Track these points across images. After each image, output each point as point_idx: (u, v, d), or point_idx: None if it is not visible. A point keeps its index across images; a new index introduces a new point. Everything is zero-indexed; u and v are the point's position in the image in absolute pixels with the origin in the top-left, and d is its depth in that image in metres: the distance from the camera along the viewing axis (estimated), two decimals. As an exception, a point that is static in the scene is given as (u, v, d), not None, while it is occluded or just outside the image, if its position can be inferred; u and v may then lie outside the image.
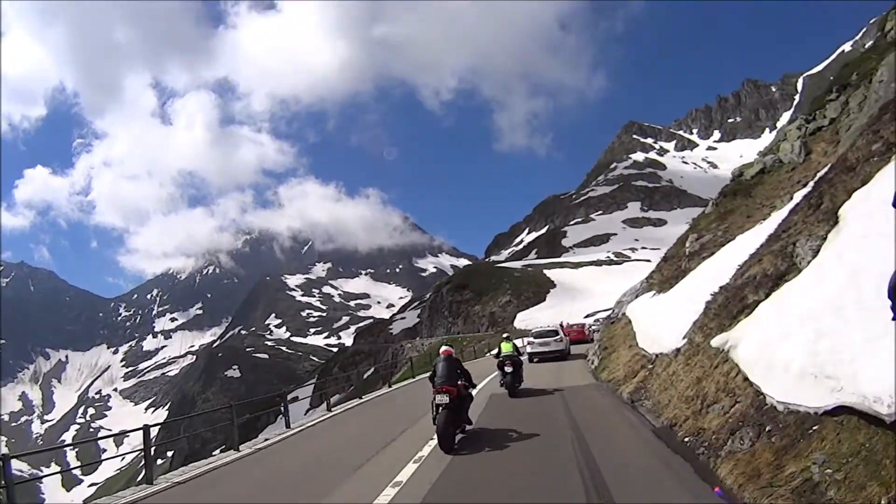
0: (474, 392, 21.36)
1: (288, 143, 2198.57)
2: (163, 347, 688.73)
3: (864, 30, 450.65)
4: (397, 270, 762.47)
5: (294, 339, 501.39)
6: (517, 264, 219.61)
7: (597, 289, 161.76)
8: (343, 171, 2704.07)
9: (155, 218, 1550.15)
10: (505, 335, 33.79)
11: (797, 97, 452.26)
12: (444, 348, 19.86)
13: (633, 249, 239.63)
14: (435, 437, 17.27)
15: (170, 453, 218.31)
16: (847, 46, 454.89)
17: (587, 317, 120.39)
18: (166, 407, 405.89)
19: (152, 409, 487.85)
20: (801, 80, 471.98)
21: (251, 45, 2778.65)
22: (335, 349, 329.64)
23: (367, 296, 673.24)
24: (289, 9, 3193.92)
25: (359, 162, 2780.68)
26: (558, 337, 50.01)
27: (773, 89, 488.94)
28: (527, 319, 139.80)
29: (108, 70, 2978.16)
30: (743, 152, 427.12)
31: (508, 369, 28.07)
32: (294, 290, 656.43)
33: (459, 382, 18.39)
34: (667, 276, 33.20)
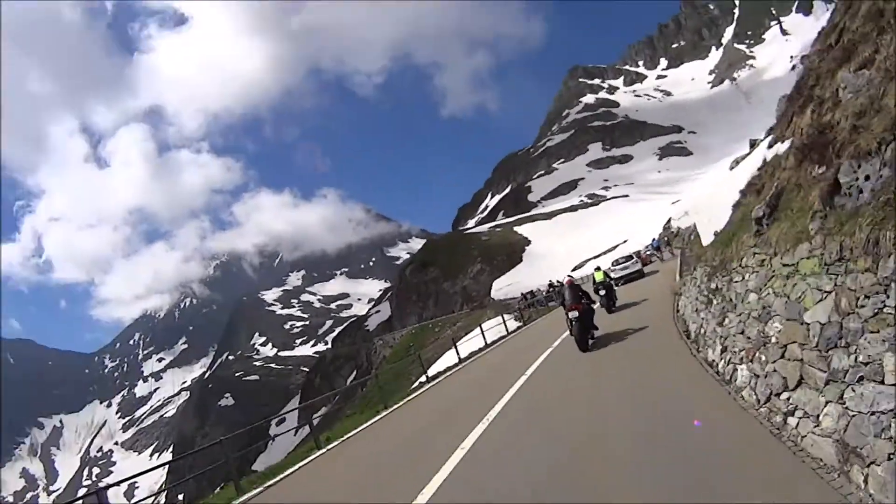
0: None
1: (231, 158, 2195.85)
2: (156, 390, 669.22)
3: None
4: (371, 264, 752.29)
5: (281, 353, 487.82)
6: (482, 228, 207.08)
7: (580, 235, 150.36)
8: (293, 175, 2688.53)
9: (117, 263, 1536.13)
10: (596, 267, 44.96)
11: (736, 10, 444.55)
12: (566, 278, 27.22)
13: (605, 189, 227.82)
14: None
15: (181, 496, 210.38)
16: None
17: (574, 269, 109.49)
18: (170, 450, 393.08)
19: (157, 454, 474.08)
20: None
21: (170, 64, 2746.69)
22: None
23: (346, 295, 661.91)
24: (199, 18, 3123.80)
25: (306, 163, 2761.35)
26: (634, 261, 59.95)
27: (711, 7, 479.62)
28: (505, 287, 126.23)
29: (31, 124, 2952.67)
30: (694, 75, 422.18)
31: (602, 292, 34.47)
32: (273, 304, 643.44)
33: (583, 301, 23.91)
34: None
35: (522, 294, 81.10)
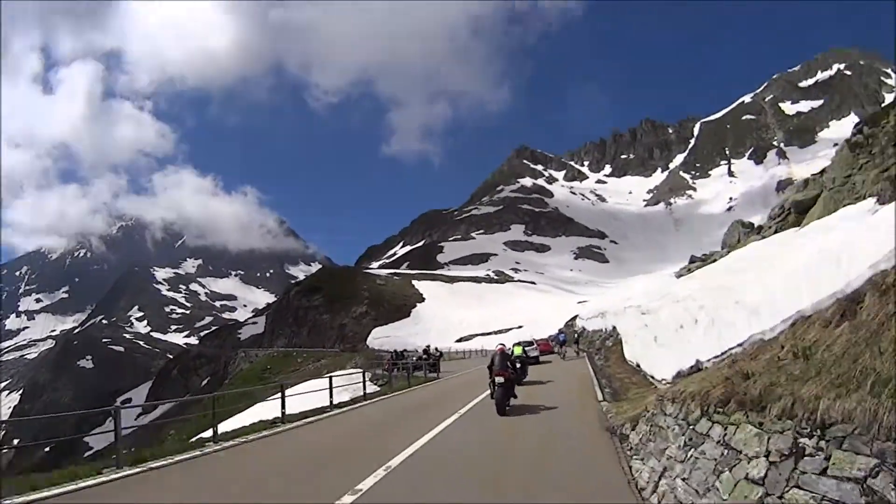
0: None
1: (169, 126, 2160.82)
2: (25, 328, 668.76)
3: (765, 84, 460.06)
4: (268, 275, 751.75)
5: (154, 334, 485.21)
6: (382, 272, 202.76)
7: (476, 308, 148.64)
8: (221, 163, 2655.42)
9: (28, 191, 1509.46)
10: (516, 343, 47.20)
11: (692, 141, 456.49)
12: (498, 346, 28.61)
13: (515, 270, 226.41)
14: None
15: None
16: (747, 98, 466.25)
17: (459, 341, 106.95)
18: (19, 391, 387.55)
19: (6, 392, 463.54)
20: (698, 126, 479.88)
21: (146, 15, 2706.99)
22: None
23: (234, 297, 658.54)
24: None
25: (239, 155, 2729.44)
26: (534, 346, 60.65)
27: (670, 131, 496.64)
28: (383, 337, 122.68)
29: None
30: (633, 189, 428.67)
31: (518, 365, 34.63)
32: (161, 283, 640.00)
33: (509, 370, 25.98)
34: None
35: (395, 350, 76.53)
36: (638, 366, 30.41)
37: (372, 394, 37.93)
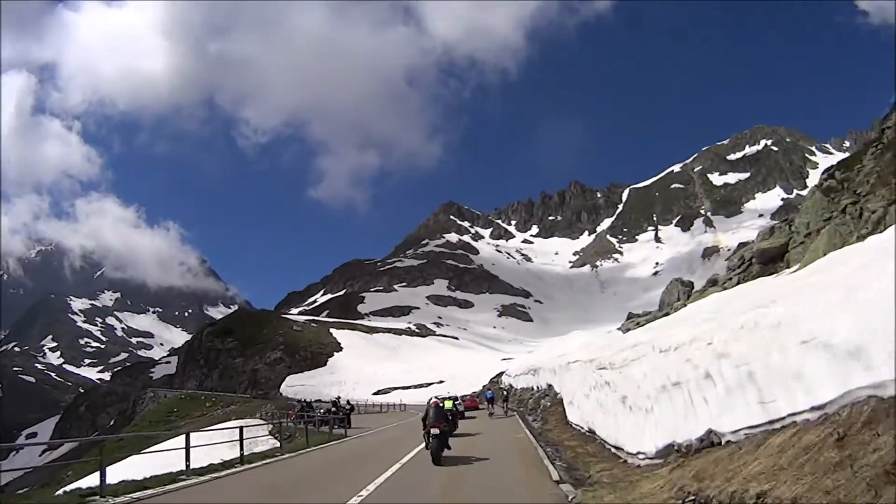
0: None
1: (97, 150, 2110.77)
2: None
3: (695, 155, 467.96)
4: (186, 314, 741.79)
5: (67, 366, 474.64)
6: (300, 318, 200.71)
7: (395, 361, 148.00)
8: (146, 194, 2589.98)
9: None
10: (446, 397, 44.50)
11: (621, 206, 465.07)
12: (433, 400, 29.51)
13: (437, 325, 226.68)
14: None
15: None
16: (676, 167, 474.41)
17: (377, 393, 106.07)
18: None
19: None
20: (626, 191, 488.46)
21: (86, 31, 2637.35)
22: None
23: (150, 335, 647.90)
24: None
25: (164, 188, 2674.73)
26: (458, 402, 54.72)
27: (599, 195, 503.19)
28: (297, 385, 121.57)
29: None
30: (560, 250, 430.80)
31: (450, 418, 32.38)
32: (77, 314, 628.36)
33: (444, 423, 26.56)
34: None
35: (303, 401, 73.89)
36: (591, 432, 25.61)
37: (257, 454, 30.72)
